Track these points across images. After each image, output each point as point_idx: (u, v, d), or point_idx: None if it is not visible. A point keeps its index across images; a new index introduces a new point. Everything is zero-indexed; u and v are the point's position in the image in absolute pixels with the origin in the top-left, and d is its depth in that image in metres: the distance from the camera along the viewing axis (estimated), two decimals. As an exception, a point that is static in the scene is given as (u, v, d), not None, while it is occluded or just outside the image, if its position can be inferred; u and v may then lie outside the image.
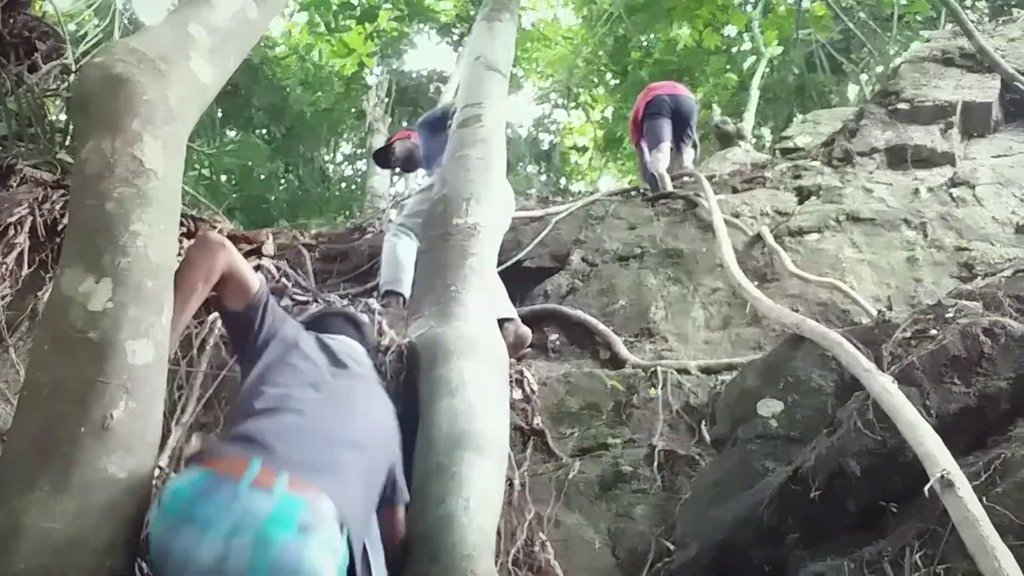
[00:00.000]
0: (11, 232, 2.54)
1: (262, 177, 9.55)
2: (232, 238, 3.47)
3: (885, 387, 1.69)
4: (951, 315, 2.13)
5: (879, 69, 11.12)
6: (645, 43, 11.76)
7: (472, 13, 11.67)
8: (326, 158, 12.76)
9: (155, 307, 1.89)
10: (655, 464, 3.08)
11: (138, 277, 1.85)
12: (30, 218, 2.62)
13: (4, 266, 2.48)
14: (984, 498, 1.47)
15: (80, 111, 1.98)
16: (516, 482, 3.03)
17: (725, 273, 4.51)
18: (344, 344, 2.28)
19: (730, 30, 11.74)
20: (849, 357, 1.88)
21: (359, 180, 12.31)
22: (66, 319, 1.78)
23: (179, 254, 2.08)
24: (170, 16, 2.47)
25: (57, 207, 2.74)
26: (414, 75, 13.29)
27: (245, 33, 2.60)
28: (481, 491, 2.46)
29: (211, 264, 2.00)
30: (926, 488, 1.49)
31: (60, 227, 2.71)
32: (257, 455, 1.69)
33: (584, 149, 14.95)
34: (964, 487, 1.45)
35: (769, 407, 2.40)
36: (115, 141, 1.91)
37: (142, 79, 2.01)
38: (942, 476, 1.47)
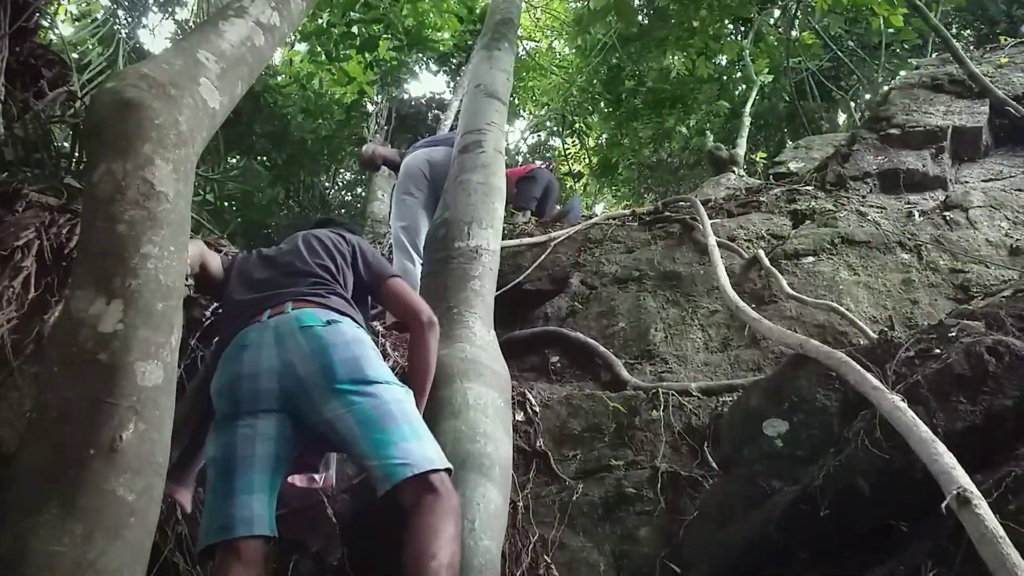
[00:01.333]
0: (18, 256, 2.55)
1: (263, 203, 9.59)
2: (236, 262, 3.49)
3: (896, 405, 1.69)
4: (954, 334, 2.14)
5: (868, 96, 11.28)
6: (638, 72, 11.90)
7: (469, 43, 11.83)
8: (326, 184, 12.82)
9: (165, 329, 1.89)
10: (658, 486, 3.08)
11: (148, 299, 1.86)
12: (37, 242, 2.62)
13: (11, 289, 2.48)
14: (998, 516, 1.47)
15: (92, 135, 2.00)
16: (520, 504, 3.02)
17: (722, 296, 4.55)
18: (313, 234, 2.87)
19: (722, 59, 11.91)
20: (857, 376, 1.88)
21: (359, 206, 12.37)
22: (76, 341, 1.79)
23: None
24: (179, 43, 2.51)
25: (64, 231, 2.75)
26: (413, 103, 13.43)
27: (252, 60, 2.63)
28: (486, 514, 2.46)
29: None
30: (943, 505, 1.48)
31: (66, 251, 2.72)
32: (262, 304, 2.38)
33: (580, 175, 15.07)
34: (981, 504, 1.44)
35: (774, 427, 2.41)
36: (127, 164, 1.93)
37: (154, 104, 2.04)
38: (958, 493, 1.46)
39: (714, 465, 3.07)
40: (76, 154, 3.54)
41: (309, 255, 2.66)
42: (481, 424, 2.75)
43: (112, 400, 1.76)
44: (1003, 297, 2.55)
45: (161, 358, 1.88)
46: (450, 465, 2.16)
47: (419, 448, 2.11)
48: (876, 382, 1.81)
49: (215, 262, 2.69)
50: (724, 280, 3.96)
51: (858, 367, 1.90)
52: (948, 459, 1.55)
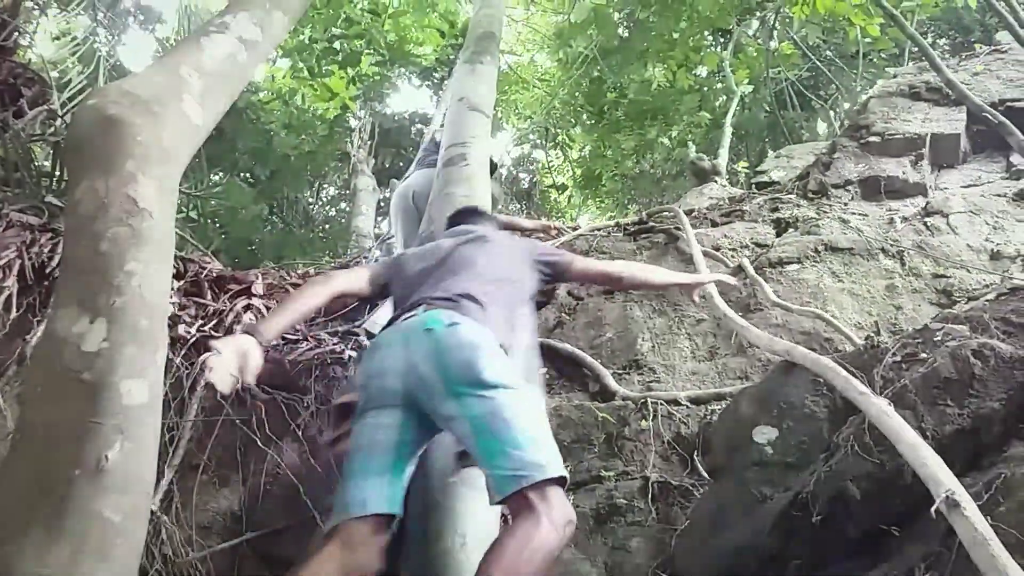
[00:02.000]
0: (-1, 276, 2.52)
1: (247, 219, 9.55)
2: (221, 279, 3.48)
3: (883, 410, 1.70)
4: (939, 338, 2.16)
5: (847, 105, 11.41)
6: (620, 84, 11.98)
7: (452, 57, 11.88)
8: (310, 199, 12.79)
9: (150, 346, 1.88)
10: (649, 496, 3.07)
11: (133, 316, 1.84)
12: (18, 262, 2.59)
13: (-8, 310, 2.45)
14: (988, 518, 1.48)
15: (74, 152, 1.99)
16: (511, 518, 3.00)
17: (709, 304, 4.56)
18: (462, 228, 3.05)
19: (702, 70, 12.02)
20: (843, 382, 1.88)
21: (343, 221, 12.34)
22: (60, 360, 1.77)
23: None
24: (162, 59, 2.50)
25: (45, 250, 2.72)
26: (396, 117, 13.45)
27: (235, 76, 2.63)
28: (477, 527, 2.44)
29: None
30: (932, 509, 1.48)
31: (48, 270, 2.69)
32: (407, 307, 2.48)
33: (563, 187, 15.13)
34: (970, 507, 1.44)
35: (764, 434, 2.41)
36: (109, 181, 1.92)
37: (136, 120, 2.03)
38: (947, 496, 1.46)
39: (704, 474, 3.07)
40: (57, 173, 3.52)
41: (455, 257, 2.72)
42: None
43: (97, 419, 1.74)
44: (986, 300, 2.57)
45: (146, 376, 1.86)
46: (564, 472, 2.07)
47: (531, 455, 2.04)
48: (863, 387, 1.81)
49: (356, 284, 2.71)
50: (713, 290, 3.97)
51: (844, 373, 1.90)
52: (936, 463, 1.56)
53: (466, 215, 3.29)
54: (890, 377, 2.07)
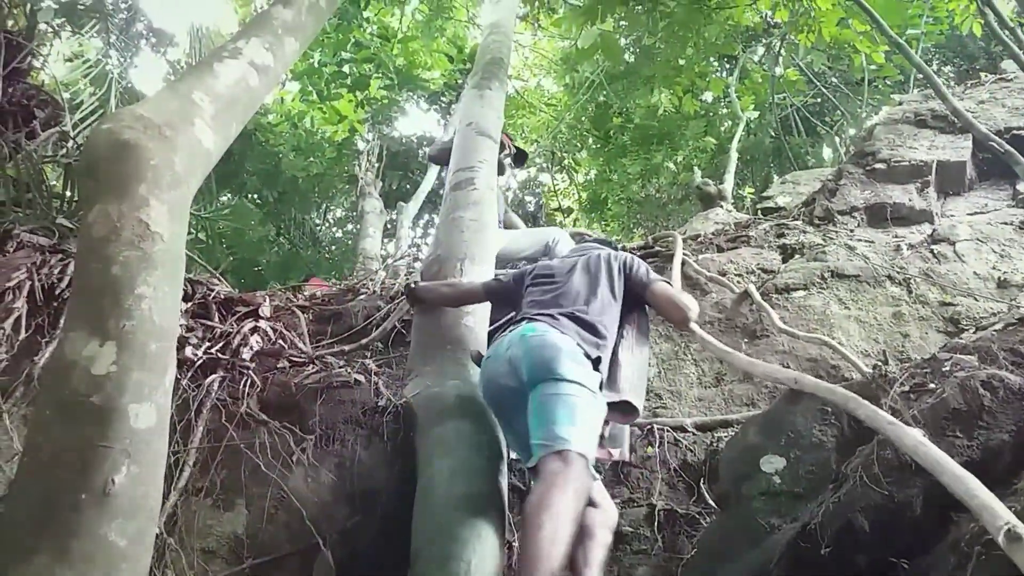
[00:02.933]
0: (9, 297, 2.53)
1: (254, 240, 9.60)
2: (229, 301, 3.49)
3: (919, 440, 1.65)
4: (948, 368, 2.15)
5: (852, 131, 11.47)
6: (626, 109, 12.06)
7: (459, 82, 11.99)
8: (317, 221, 12.86)
9: (159, 370, 1.88)
10: (655, 524, 3.05)
11: (142, 340, 1.85)
12: (28, 283, 2.60)
13: (1, 331, 2.45)
14: (999, 552, 1.45)
15: (87, 176, 2.01)
16: (516, 544, 2.98)
17: (715, 330, 4.56)
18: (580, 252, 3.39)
19: (708, 96, 12.10)
20: (868, 411, 1.84)
21: (349, 242, 12.39)
22: (69, 384, 1.77)
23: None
24: (174, 84, 2.53)
25: (55, 272, 2.73)
26: (404, 140, 13.56)
27: (246, 100, 2.66)
28: (482, 554, 2.43)
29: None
30: (999, 538, 1.41)
31: (58, 292, 2.70)
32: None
33: (569, 210, 15.18)
34: None
35: (772, 463, 2.40)
36: (122, 205, 1.93)
37: (149, 145, 2.05)
38: (1009, 529, 1.41)
39: (711, 502, 3.04)
40: (68, 194, 3.55)
41: (562, 279, 3.06)
42: (475, 463, 2.73)
43: (105, 443, 1.74)
44: (994, 331, 2.56)
45: (154, 400, 1.86)
46: (589, 452, 2.32)
47: (563, 431, 2.30)
48: (891, 417, 1.78)
49: (472, 296, 3.44)
50: (700, 332, 3.53)
51: (867, 403, 1.86)
52: (987, 494, 1.50)
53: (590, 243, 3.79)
54: (898, 408, 2.06)
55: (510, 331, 2.78)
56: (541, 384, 2.47)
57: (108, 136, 2.03)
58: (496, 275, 3.67)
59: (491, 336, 3.30)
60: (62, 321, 2.43)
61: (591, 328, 2.74)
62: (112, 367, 1.79)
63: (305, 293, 4.80)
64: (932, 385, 2.12)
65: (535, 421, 2.40)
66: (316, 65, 8.60)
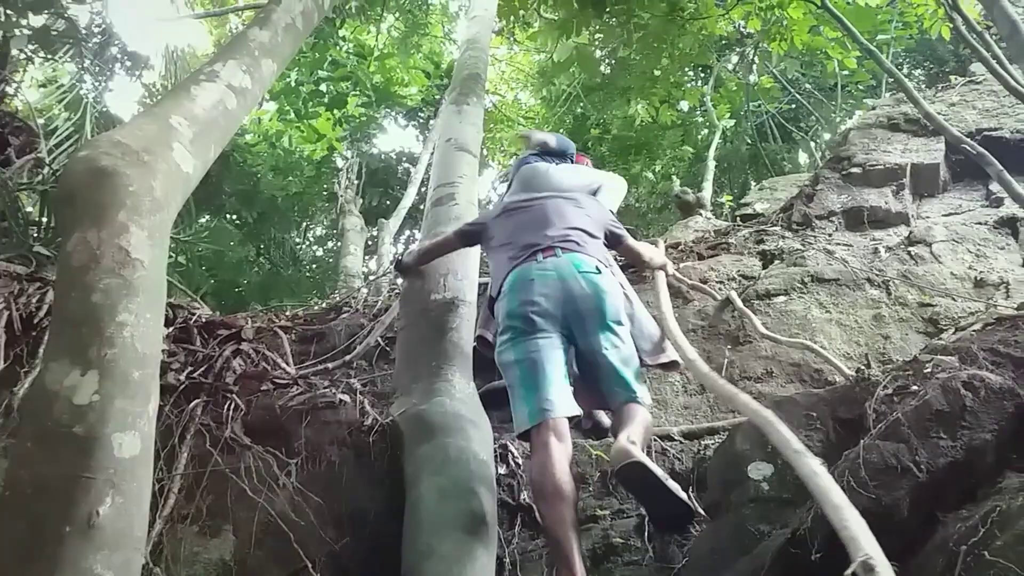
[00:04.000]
0: (-14, 327, 2.50)
1: (233, 261, 9.55)
2: (211, 324, 3.46)
3: (814, 470, 1.72)
4: (929, 370, 2.18)
5: (827, 136, 11.62)
6: (603, 120, 12.14)
7: (437, 97, 12.02)
8: (297, 240, 12.80)
9: (142, 398, 1.86)
10: (646, 534, 3.04)
11: (125, 368, 1.83)
12: (6, 312, 2.57)
13: (-21, 362, 2.42)
14: (986, 552, 1.48)
15: (66, 204, 1.99)
16: (506, 561, 2.97)
17: (699, 337, 4.58)
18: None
19: (684, 105, 12.21)
20: (779, 438, 1.90)
21: (330, 260, 12.35)
22: (50, 414, 1.75)
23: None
24: (152, 108, 2.52)
25: (33, 301, 2.70)
26: (383, 157, 13.54)
27: (225, 123, 2.65)
28: (473, 573, 2.42)
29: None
30: (848, 572, 1.50)
31: (36, 321, 2.67)
32: (532, 249, 3.14)
33: (550, 222, 15.18)
34: (885, 572, 1.46)
35: (760, 470, 2.41)
36: (101, 232, 1.92)
37: (128, 171, 2.04)
38: (865, 561, 1.49)
39: (701, 511, 3.05)
40: (45, 222, 3.51)
41: (564, 211, 3.38)
42: (463, 480, 2.72)
43: (88, 474, 1.71)
44: (973, 331, 2.60)
45: (138, 428, 1.84)
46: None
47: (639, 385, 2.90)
48: (798, 445, 1.82)
49: (448, 245, 3.73)
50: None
51: (782, 428, 1.92)
52: (858, 525, 1.58)
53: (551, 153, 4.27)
54: (883, 411, 2.08)
55: (541, 258, 3.08)
56: (613, 333, 2.93)
57: (86, 163, 2.02)
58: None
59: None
60: (41, 350, 2.40)
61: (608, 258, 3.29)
62: (94, 396, 1.76)
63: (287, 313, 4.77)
64: (915, 387, 2.15)
65: (623, 367, 2.88)
66: (293, 84, 8.60)
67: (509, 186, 4.42)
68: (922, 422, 1.98)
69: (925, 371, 2.20)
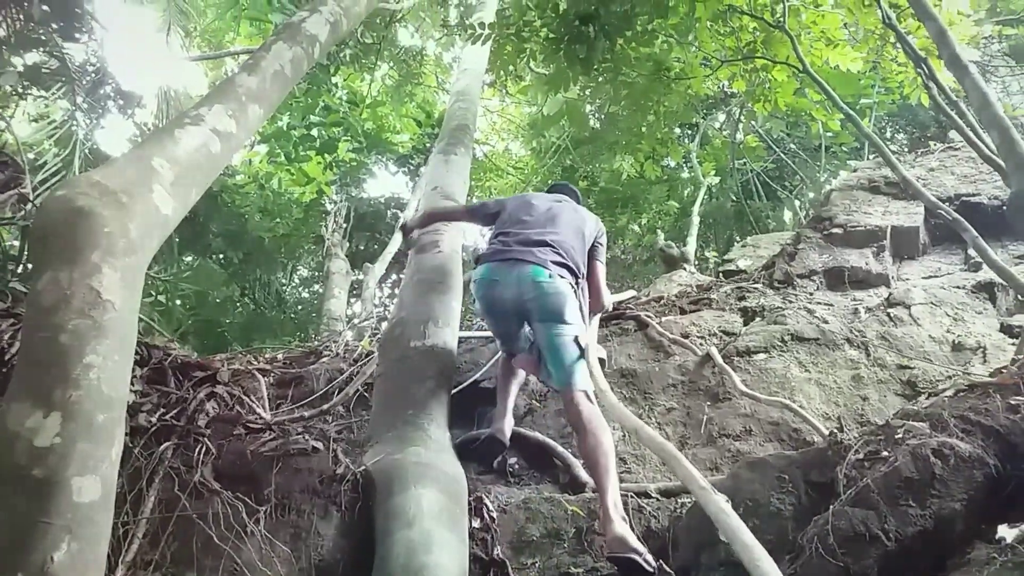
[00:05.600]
0: (-45, 363, 2.46)
1: (217, 301, 9.49)
2: (187, 366, 3.43)
3: (721, 507, 1.72)
4: (900, 436, 2.18)
5: (811, 195, 11.81)
6: (591, 173, 12.30)
7: (428, 145, 12.16)
8: (283, 281, 12.76)
9: (106, 441, 1.84)
10: (619, 594, 2.99)
11: (89, 411, 1.81)
12: (-24, 349, 2.54)
13: (-56, 399, 2.37)
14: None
15: (39, 243, 1.98)
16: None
17: (679, 393, 4.57)
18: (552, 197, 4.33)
19: (670, 161, 12.41)
20: (685, 473, 1.93)
21: (315, 302, 12.30)
22: (10, 456, 1.72)
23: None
24: (134, 149, 2.53)
25: (6, 337, 2.67)
26: (372, 202, 13.61)
27: (208, 166, 2.67)
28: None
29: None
30: None
31: (7, 357, 2.63)
32: (509, 256, 3.66)
33: (536, 271, 15.25)
34: None
35: (731, 532, 2.38)
36: (73, 272, 1.91)
37: (104, 212, 2.04)
38: None
39: (672, 573, 3.00)
40: (24, 257, 3.49)
41: (551, 225, 3.86)
42: (436, 533, 2.67)
43: (45, 519, 1.68)
44: (946, 397, 2.60)
45: (100, 472, 1.81)
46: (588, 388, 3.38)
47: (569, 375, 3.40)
48: (704, 482, 1.85)
49: (456, 214, 4.55)
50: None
51: (686, 464, 1.95)
52: (769, 565, 1.58)
53: (558, 187, 4.67)
54: (853, 476, 2.07)
55: (516, 261, 3.59)
56: (550, 324, 3.48)
57: (62, 202, 2.03)
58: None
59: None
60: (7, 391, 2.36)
61: (575, 270, 3.74)
62: (56, 439, 1.74)
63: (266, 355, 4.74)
64: (885, 453, 2.14)
65: (554, 360, 3.44)
66: (285, 128, 8.69)
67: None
68: (891, 489, 1.97)
69: (896, 436, 2.20)
